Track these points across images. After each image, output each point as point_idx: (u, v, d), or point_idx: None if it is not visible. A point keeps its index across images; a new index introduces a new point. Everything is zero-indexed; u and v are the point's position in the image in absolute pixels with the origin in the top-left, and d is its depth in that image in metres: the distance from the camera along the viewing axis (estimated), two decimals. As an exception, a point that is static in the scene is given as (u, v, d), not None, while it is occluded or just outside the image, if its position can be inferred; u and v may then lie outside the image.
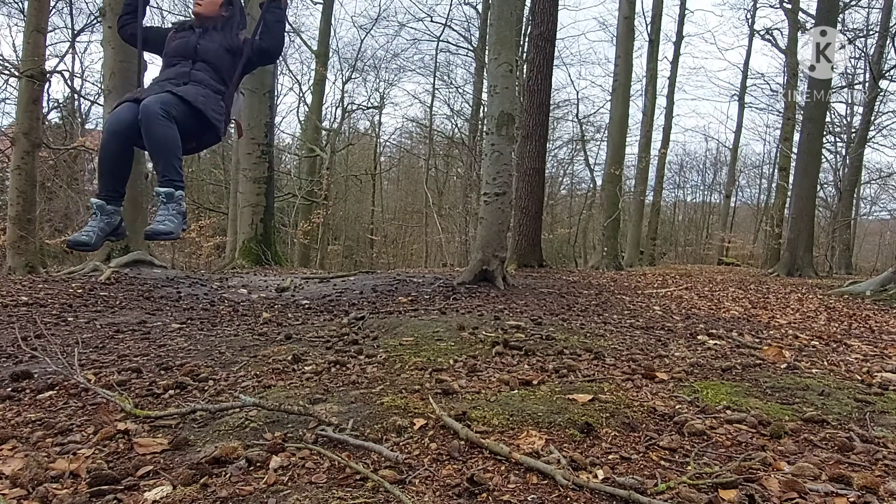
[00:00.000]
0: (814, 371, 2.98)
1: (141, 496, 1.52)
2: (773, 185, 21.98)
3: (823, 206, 20.10)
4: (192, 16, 3.22)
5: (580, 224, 21.69)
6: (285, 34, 3.25)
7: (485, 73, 14.94)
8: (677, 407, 2.26)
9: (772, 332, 4.51)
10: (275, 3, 3.13)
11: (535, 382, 2.50)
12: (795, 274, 12.12)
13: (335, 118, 22.03)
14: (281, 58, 16.77)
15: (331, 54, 19.14)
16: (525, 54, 13.68)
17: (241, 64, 3.13)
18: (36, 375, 2.61)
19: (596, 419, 2.02)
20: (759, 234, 24.94)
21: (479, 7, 18.92)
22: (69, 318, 4.20)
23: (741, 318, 5.33)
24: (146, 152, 3.47)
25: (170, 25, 3.51)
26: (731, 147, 24.44)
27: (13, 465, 1.67)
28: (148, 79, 3.31)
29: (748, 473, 1.63)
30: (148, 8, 3.45)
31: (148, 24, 3.32)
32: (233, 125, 3.34)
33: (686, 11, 20.48)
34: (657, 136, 20.55)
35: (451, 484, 1.58)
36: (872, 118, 17.61)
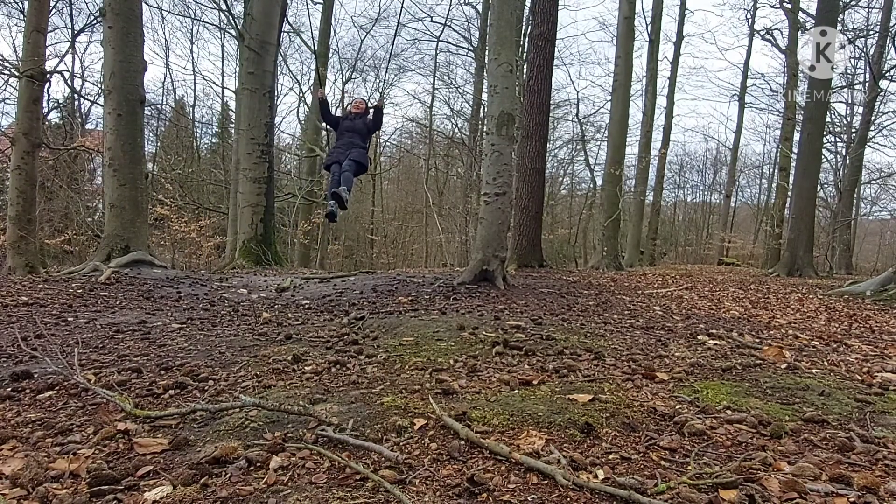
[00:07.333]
0: (814, 371, 2.98)
1: (141, 496, 1.52)
2: (773, 185, 22.01)
3: (823, 206, 20.09)
4: (350, 110, 6.83)
5: (580, 224, 21.69)
6: (383, 119, 6.67)
7: (485, 73, 14.94)
8: (677, 407, 2.26)
9: (772, 332, 4.51)
10: (380, 108, 6.52)
11: (535, 382, 2.50)
12: (795, 274, 12.12)
13: (335, 118, 21.96)
14: (281, 57, 17.18)
15: (331, 54, 19.14)
16: (525, 54, 13.67)
17: (370, 135, 6.65)
18: (36, 375, 2.61)
19: (596, 419, 2.02)
20: (759, 234, 24.96)
21: (479, 7, 18.96)
22: (69, 318, 4.20)
23: (741, 318, 5.33)
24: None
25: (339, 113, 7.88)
26: (731, 147, 24.48)
27: (13, 465, 1.66)
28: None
29: (748, 473, 1.63)
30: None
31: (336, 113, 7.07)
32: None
33: (686, 11, 20.53)
34: (657, 136, 20.61)
35: (451, 484, 1.57)
36: (872, 118, 17.61)
